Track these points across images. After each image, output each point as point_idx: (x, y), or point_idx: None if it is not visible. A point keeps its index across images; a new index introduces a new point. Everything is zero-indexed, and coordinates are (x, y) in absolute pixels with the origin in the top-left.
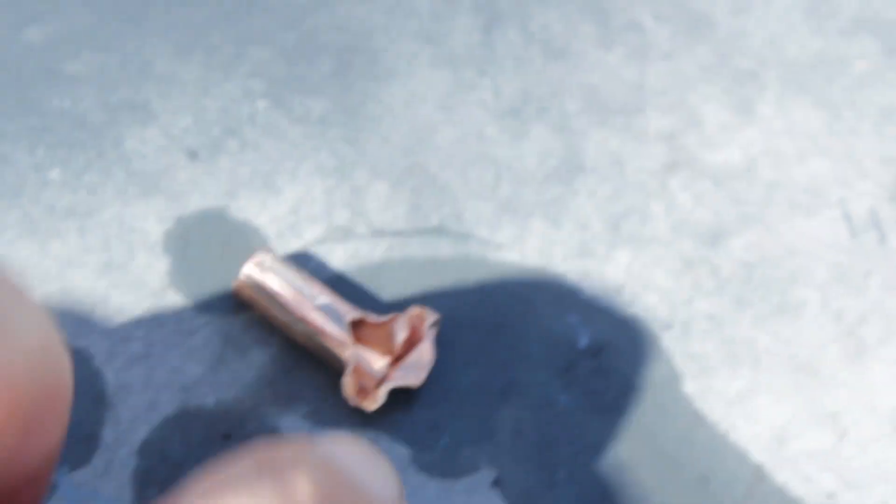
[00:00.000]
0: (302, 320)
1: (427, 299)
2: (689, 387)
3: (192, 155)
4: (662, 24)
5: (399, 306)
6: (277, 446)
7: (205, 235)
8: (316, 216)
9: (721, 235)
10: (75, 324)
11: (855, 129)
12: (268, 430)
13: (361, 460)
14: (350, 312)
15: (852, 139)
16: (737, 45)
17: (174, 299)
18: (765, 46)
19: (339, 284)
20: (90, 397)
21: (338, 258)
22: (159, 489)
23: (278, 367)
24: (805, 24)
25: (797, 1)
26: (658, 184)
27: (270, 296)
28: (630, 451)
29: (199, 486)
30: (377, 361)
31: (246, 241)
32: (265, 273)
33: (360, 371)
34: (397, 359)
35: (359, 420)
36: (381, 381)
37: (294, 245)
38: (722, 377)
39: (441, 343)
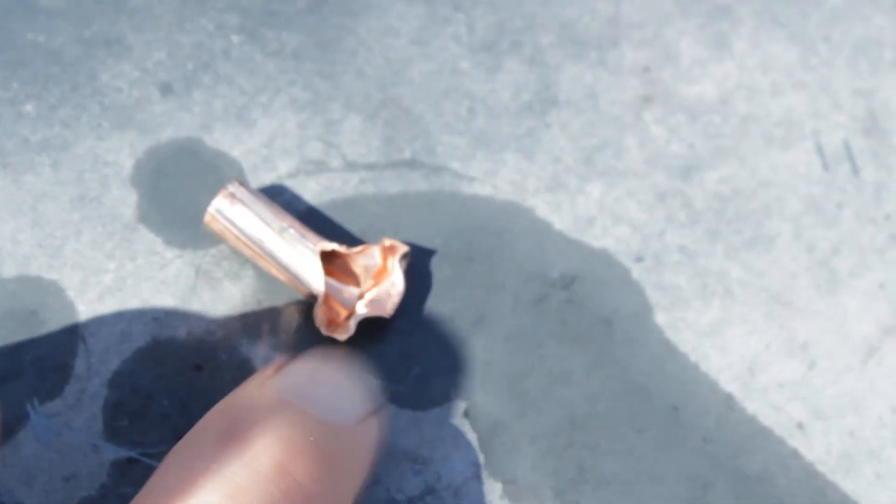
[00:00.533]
0: (272, 252)
1: (399, 232)
2: (661, 318)
3: (167, 89)
4: None
5: (371, 239)
6: (236, 407)
7: (178, 169)
8: (289, 149)
9: (695, 168)
10: (48, 256)
11: (829, 62)
12: (239, 362)
13: (326, 387)
14: (321, 243)
15: (826, 72)
16: None
17: (146, 232)
18: None
19: (312, 217)
20: (62, 329)
21: (311, 191)
22: (130, 420)
23: (249, 299)
24: None
25: None
26: (632, 117)
27: (241, 227)
28: (601, 382)
29: (168, 479)
30: (348, 292)
31: (219, 174)
32: (235, 205)
33: (330, 301)
34: (368, 290)
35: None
36: (352, 311)
37: (267, 178)
38: (694, 309)
39: (413, 275)
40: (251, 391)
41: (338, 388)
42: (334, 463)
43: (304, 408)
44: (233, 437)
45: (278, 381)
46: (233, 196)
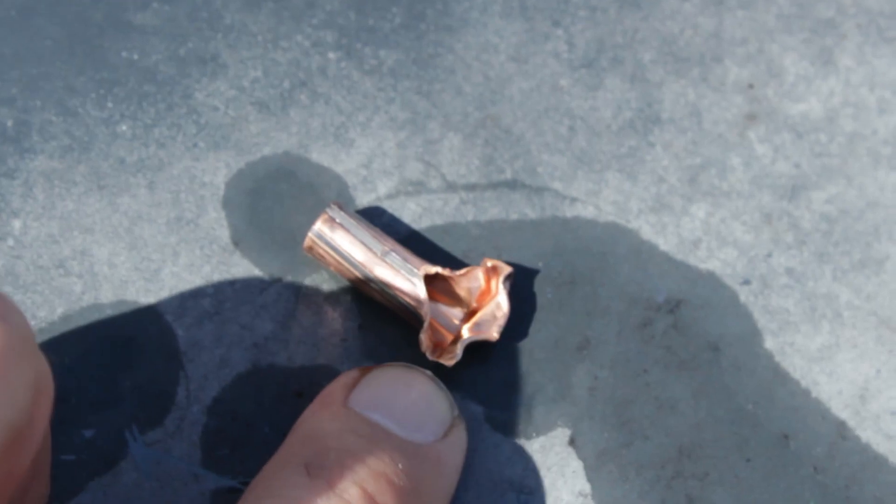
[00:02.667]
0: (374, 276)
1: (501, 254)
2: (769, 343)
3: (263, 107)
4: None
5: (472, 261)
6: (320, 433)
7: (275, 190)
8: (388, 170)
9: (801, 188)
10: (145, 280)
11: None
12: None
13: (408, 399)
14: (424, 267)
15: None
16: None
17: (244, 255)
18: None
19: (412, 239)
20: (161, 355)
21: (410, 212)
22: (231, 449)
23: (351, 324)
24: None
25: None
26: (736, 135)
27: (342, 252)
28: (708, 410)
29: None
30: (452, 315)
31: (317, 195)
32: (336, 230)
33: (436, 326)
34: (473, 313)
35: None
36: (458, 335)
37: (366, 199)
38: (802, 333)
39: (515, 298)
40: (334, 411)
41: (421, 399)
42: (422, 486)
43: (388, 426)
44: (320, 468)
45: (361, 397)
46: (333, 220)
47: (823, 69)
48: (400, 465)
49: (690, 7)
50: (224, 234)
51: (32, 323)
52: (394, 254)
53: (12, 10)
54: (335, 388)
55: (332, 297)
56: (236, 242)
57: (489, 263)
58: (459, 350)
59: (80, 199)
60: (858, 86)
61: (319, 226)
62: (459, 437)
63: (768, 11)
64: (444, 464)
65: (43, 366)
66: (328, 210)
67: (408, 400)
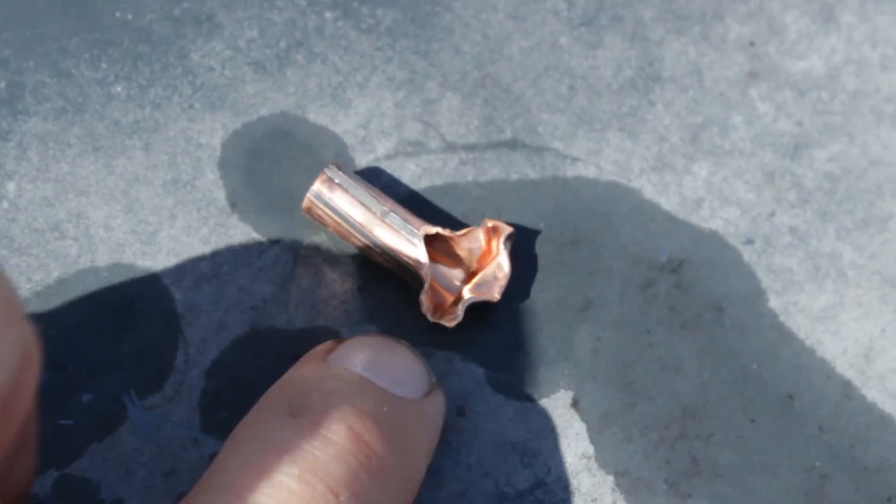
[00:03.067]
0: (374, 237)
1: (501, 214)
2: (773, 302)
3: (259, 68)
4: None
5: (472, 221)
6: (302, 380)
7: (273, 151)
8: (387, 130)
9: (803, 147)
10: (142, 243)
11: None
12: None
13: (390, 360)
14: (424, 227)
15: None
16: None
17: (242, 217)
18: None
19: (412, 200)
20: (159, 318)
21: (409, 173)
22: (230, 413)
23: (350, 286)
24: None
25: None
26: (738, 93)
27: (341, 213)
28: (713, 370)
29: (239, 456)
30: (452, 276)
31: (315, 156)
32: (334, 190)
33: (436, 287)
34: (473, 274)
35: (434, 339)
36: (459, 296)
37: (364, 160)
38: (806, 292)
39: (516, 258)
40: (313, 367)
41: (401, 361)
42: (407, 434)
43: (371, 378)
44: (305, 408)
45: (342, 355)
46: (331, 181)
47: (825, 26)
48: (385, 409)
49: None
50: (221, 195)
51: (27, 287)
52: (393, 214)
53: None
54: (315, 350)
55: (331, 259)
56: (234, 204)
57: (490, 224)
58: (460, 311)
59: (75, 161)
60: (860, 43)
61: (318, 186)
62: (439, 401)
63: None
64: (427, 419)
65: (29, 332)
66: (326, 171)
67: (388, 360)
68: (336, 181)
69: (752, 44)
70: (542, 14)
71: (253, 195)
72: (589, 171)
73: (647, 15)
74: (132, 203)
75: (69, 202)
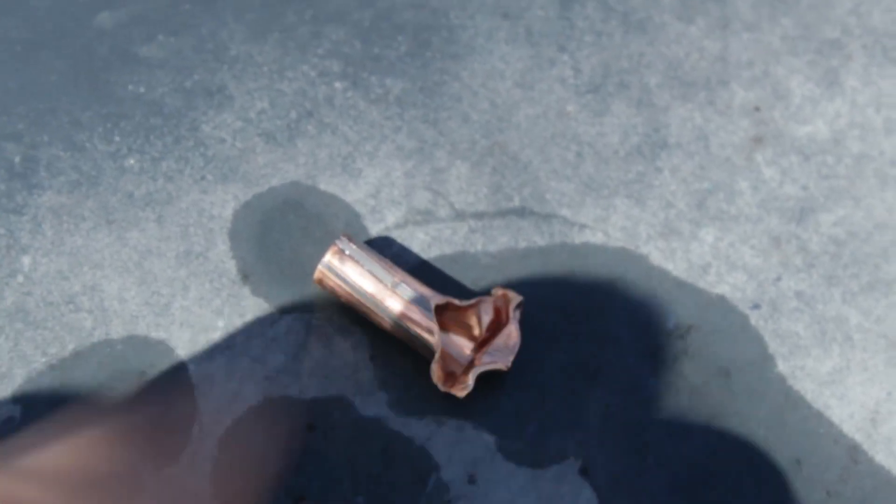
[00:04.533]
0: (385, 308)
1: (511, 281)
2: (780, 367)
3: (270, 138)
4: None
5: (482, 289)
6: None
7: (284, 221)
8: (396, 199)
9: (809, 211)
10: (155, 314)
11: None
12: (352, 420)
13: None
14: (434, 297)
15: None
16: (821, 14)
17: (254, 287)
18: (849, 15)
19: (422, 269)
20: (174, 389)
21: (419, 242)
22: (243, 481)
23: (362, 355)
24: None
25: None
26: (744, 159)
27: (352, 285)
28: (721, 435)
29: None
30: (463, 345)
31: (326, 225)
32: (345, 262)
33: (447, 356)
34: (483, 343)
35: (444, 408)
36: (470, 366)
37: (375, 229)
38: (813, 357)
39: (526, 326)
40: None
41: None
42: None
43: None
44: None
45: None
46: (342, 252)
47: (829, 90)
48: None
49: (696, 31)
50: (233, 266)
51: (43, 360)
52: (404, 285)
53: (18, 44)
54: None
55: (342, 329)
56: (246, 275)
57: (499, 292)
58: (471, 380)
59: (89, 234)
60: (865, 106)
61: (329, 258)
62: None
63: (773, 33)
64: None
65: None
66: (338, 242)
67: None
68: (347, 253)
69: (757, 109)
70: (548, 82)
71: (264, 266)
72: (597, 238)
73: (653, 81)
74: (145, 275)
75: (83, 275)
